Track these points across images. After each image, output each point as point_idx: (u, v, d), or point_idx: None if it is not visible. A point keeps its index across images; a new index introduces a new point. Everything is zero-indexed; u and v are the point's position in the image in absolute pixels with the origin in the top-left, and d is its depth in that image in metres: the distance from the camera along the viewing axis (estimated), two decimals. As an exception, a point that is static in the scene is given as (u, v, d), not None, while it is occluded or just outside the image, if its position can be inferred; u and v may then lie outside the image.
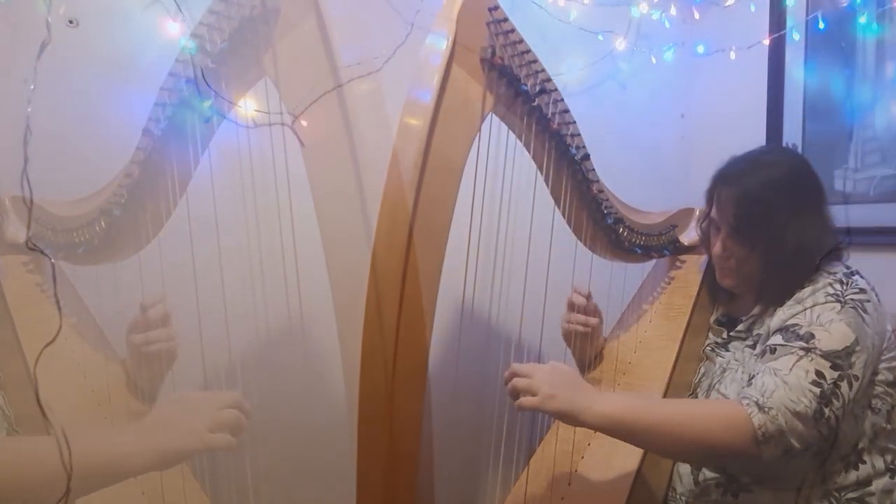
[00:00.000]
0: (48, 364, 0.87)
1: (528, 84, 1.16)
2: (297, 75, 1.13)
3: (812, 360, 1.04)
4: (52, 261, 0.95)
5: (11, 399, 1.01)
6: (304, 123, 1.12)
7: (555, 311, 1.37)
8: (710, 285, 1.38)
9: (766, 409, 1.00)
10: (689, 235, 1.49)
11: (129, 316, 1.14)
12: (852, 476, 1.12)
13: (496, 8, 1.13)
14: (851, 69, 1.57)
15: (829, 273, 1.15)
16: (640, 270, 1.57)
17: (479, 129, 1.15)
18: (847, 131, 1.57)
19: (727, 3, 1.78)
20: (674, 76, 1.90)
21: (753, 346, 1.20)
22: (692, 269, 1.48)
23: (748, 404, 1.02)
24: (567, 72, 1.74)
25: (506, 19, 1.14)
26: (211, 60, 1.05)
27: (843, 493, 1.12)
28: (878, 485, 1.13)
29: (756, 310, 1.23)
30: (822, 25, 1.60)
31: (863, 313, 1.08)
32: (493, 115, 1.17)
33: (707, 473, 1.18)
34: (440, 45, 1.10)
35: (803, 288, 1.15)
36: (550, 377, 1.07)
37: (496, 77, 1.15)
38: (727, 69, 1.79)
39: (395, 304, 1.07)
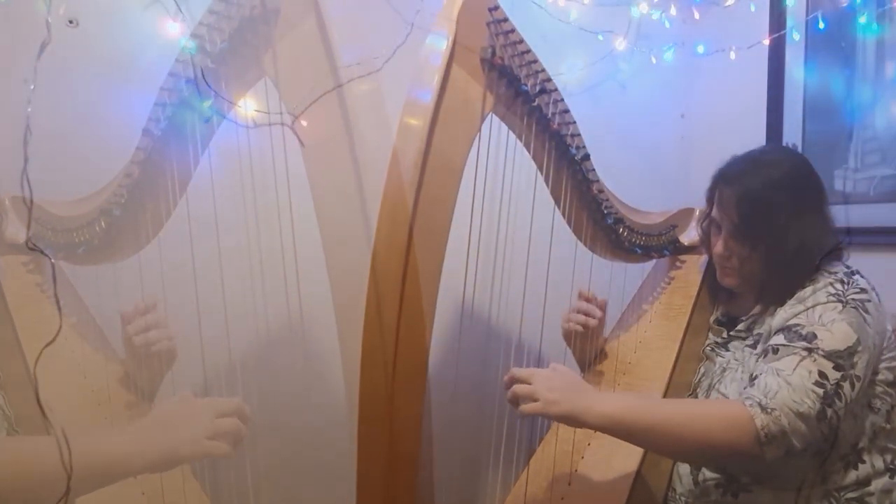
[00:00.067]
0: (48, 364, 0.87)
1: (529, 84, 1.16)
2: (297, 75, 1.13)
3: (815, 360, 1.04)
4: (52, 261, 0.95)
5: (11, 399, 1.01)
6: (304, 123, 1.12)
7: (555, 311, 1.37)
8: (711, 285, 1.38)
9: (769, 410, 1.00)
10: (689, 235, 1.49)
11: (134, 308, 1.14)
12: (852, 476, 1.12)
13: (496, 8, 1.13)
14: (851, 69, 1.57)
15: (830, 273, 1.15)
16: (640, 270, 1.57)
17: (480, 130, 1.15)
18: (847, 131, 1.57)
19: (727, 3, 1.78)
20: (674, 76, 1.89)
21: (754, 346, 1.20)
22: (692, 269, 1.48)
23: (751, 405, 1.01)
24: (567, 72, 1.74)
25: (506, 19, 1.14)
26: (211, 60, 1.05)
27: (842, 493, 1.12)
28: (877, 484, 1.13)
29: (756, 309, 1.23)
30: (822, 25, 1.60)
31: (864, 313, 1.08)
32: (494, 116, 1.17)
33: (707, 473, 1.18)
34: (440, 45, 1.10)
35: (804, 287, 1.15)
36: (550, 382, 1.07)
37: (496, 77, 1.15)
38: (727, 69, 1.79)
39: (395, 304, 1.07)
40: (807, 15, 1.64)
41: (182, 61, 1.05)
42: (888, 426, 1.14)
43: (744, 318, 1.26)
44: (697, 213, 1.47)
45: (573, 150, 1.23)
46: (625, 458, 1.22)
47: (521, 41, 1.15)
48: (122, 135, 1.11)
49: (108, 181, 1.11)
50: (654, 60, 1.83)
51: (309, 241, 1.16)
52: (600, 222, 1.33)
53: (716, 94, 1.88)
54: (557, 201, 1.27)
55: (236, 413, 0.92)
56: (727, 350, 1.27)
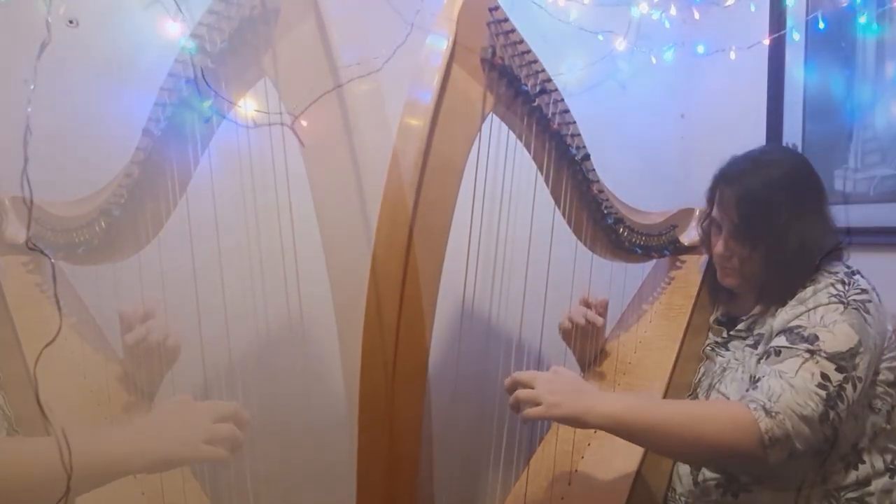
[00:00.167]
0: (48, 364, 0.87)
1: (529, 84, 1.16)
2: (297, 75, 1.13)
3: (817, 362, 1.04)
4: (52, 261, 0.95)
5: (11, 399, 1.01)
6: (303, 123, 1.12)
7: (555, 311, 1.37)
8: (711, 285, 1.38)
9: (773, 414, 1.00)
10: (690, 235, 1.49)
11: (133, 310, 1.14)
12: (852, 476, 1.12)
13: (497, 8, 1.13)
14: (851, 69, 1.57)
15: (831, 273, 1.15)
16: (640, 270, 1.57)
17: (480, 130, 1.15)
18: (847, 131, 1.57)
19: (727, 3, 1.78)
20: (674, 76, 1.89)
21: (754, 346, 1.20)
22: (692, 270, 1.48)
23: (755, 408, 1.01)
24: (567, 72, 1.74)
25: (506, 19, 1.14)
26: (211, 60, 1.05)
27: (842, 493, 1.12)
28: (877, 484, 1.13)
29: (757, 309, 1.23)
30: (822, 25, 1.60)
31: (865, 314, 1.08)
32: (494, 116, 1.17)
33: (707, 474, 1.18)
34: (440, 45, 1.10)
35: (805, 288, 1.15)
36: (552, 384, 1.06)
37: (496, 77, 1.15)
38: (727, 69, 1.79)
39: (395, 304, 1.07)
40: (807, 15, 1.64)
41: (182, 61, 1.05)
42: (888, 426, 1.14)
43: (744, 318, 1.25)
44: (697, 213, 1.47)
45: (573, 150, 1.23)
46: (625, 459, 1.22)
47: (522, 41, 1.15)
48: (122, 135, 1.11)
49: (108, 181, 1.11)
50: (654, 60, 1.83)
51: (309, 242, 1.16)
52: (600, 222, 1.33)
53: (716, 94, 1.88)
54: (557, 201, 1.27)
55: (234, 418, 0.92)
56: (727, 350, 1.27)
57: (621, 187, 1.39)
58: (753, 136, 1.70)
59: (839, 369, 1.04)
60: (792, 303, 1.15)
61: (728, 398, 1.18)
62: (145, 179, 1.07)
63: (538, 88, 1.17)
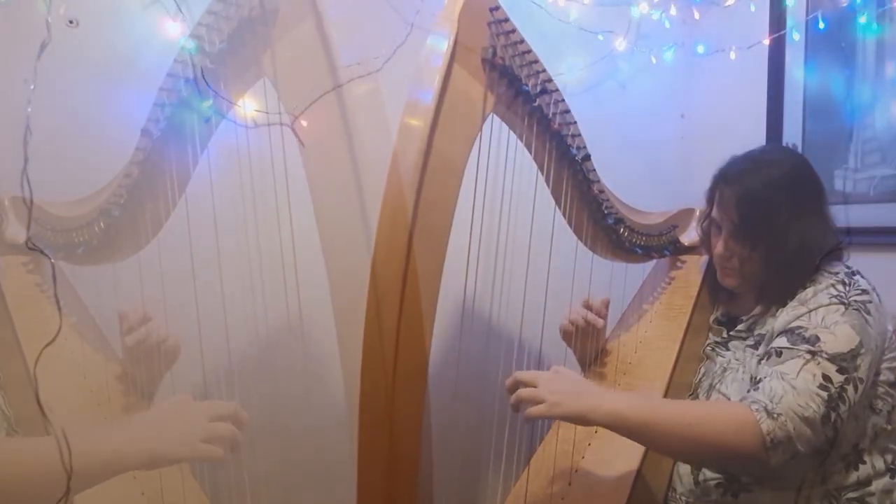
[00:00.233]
0: (48, 364, 0.86)
1: (530, 84, 1.16)
2: (297, 75, 1.13)
3: (819, 363, 1.04)
4: (52, 261, 0.95)
5: (11, 399, 1.01)
6: (303, 124, 1.12)
7: (555, 312, 1.37)
8: (711, 285, 1.38)
9: (776, 416, 1.00)
10: (690, 236, 1.49)
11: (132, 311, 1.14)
12: (852, 476, 1.12)
13: (497, 8, 1.13)
14: (851, 69, 1.57)
15: (831, 273, 1.15)
16: (640, 271, 1.57)
17: (480, 130, 1.15)
18: (847, 131, 1.57)
19: (727, 3, 1.78)
20: (674, 76, 1.89)
21: (755, 346, 1.20)
22: (692, 270, 1.48)
23: (757, 409, 1.01)
24: (567, 72, 1.74)
25: (507, 19, 1.13)
26: (210, 61, 1.05)
27: (843, 493, 1.12)
28: (878, 485, 1.13)
29: (757, 310, 1.23)
30: (822, 25, 1.60)
31: (866, 315, 1.08)
32: (494, 116, 1.17)
33: (707, 473, 1.18)
34: (441, 45, 1.10)
35: (805, 288, 1.15)
36: (554, 384, 1.07)
37: (497, 77, 1.14)
38: (727, 69, 1.79)
39: (395, 304, 1.07)
40: (807, 15, 1.64)
41: (181, 61, 1.05)
42: (889, 427, 1.14)
43: (744, 319, 1.25)
44: (698, 213, 1.47)
45: (574, 151, 1.23)
46: (625, 458, 1.22)
47: (522, 41, 1.15)
48: (122, 135, 1.11)
49: (108, 181, 1.11)
50: (654, 60, 1.83)
51: (308, 242, 1.16)
52: (601, 222, 1.33)
53: (716, 94, 1.88)
54: (558, 201, 1.27)
55: (232, 418, 0.93)
56: (727, 350, 1.27)
57: (621, 187, 1.39)
58: (753, 136, 1.70)
59: (840, 370, 1.04)
60: (792, 303, 1.15)
61: (729, 398, 1.18)
62: (145, 180, 1.07)
63: (539, 88, 1.17)
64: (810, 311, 1.11)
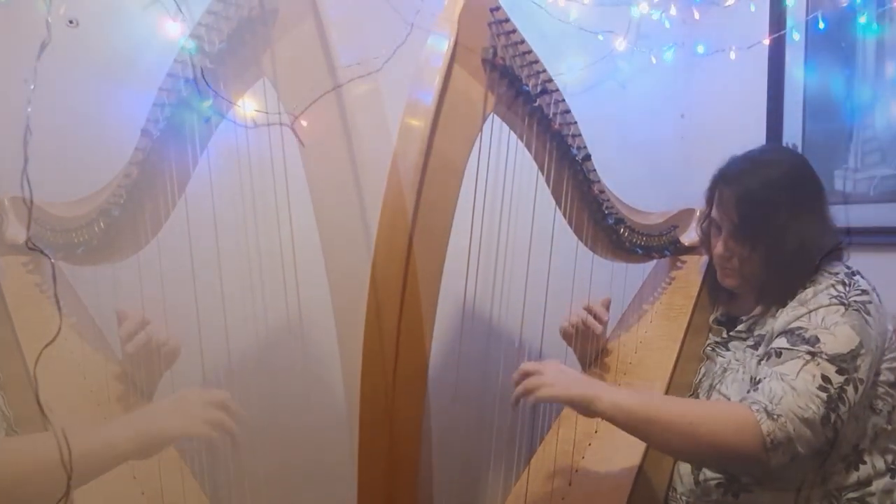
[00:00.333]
0: (48, 364, 0.87)
1: (530, 84, 1.16)
2: (296, 76, 1.12)
3: (818, 364, 1.04)
4: (52, 261, 0.95)
5: (11, 399, 1.01)
6: (303, 124, 1.12)
7: (556, 312, 1.37)
8: (711, 286, 1.38)
9: (775, 417, 1.00)
10: (690, 236, 1.49)
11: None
12: (853, 476, 1.12)
13: (498, 8, 1.13)
14: (851, 69, 1.57)
15: (831, 273, 1.15)
16: (640, 271, 1.57)
17: (481, 130, 1.14)
18: (847, 131, 1.57)
19: (727, 3, 1.78)
20: (674, 76, 1.89)
21: (755, 347, 1.20)
22: (693, 270, 1.48)
23: (757, 410, 1.01)
24: (567, 72, 1.74)
25: (507, 20, 1.13)
26: (210, 61, 1.05)
27: (843, 494, 1.12)
28: (878, 485, 1.13)
29: (757, 310, 1.23)
30: (822, 25, 1.60)
31: (866, 315, 1.08)
32: (495, 116, 1.17)
33: (707, 473, 1.18)
34: (441, 46, 1.10)
35: (805, 288, 1.15)
36: (561, 371, 1.10)
37: (497, 77, 1.14)
38: (727, 69, 1.79)
39: (395, 305, 1.07)
40: (807, 15, 1.64)
41: (181, 61, 1.05)
42: (889, 427, 1.14)
43: (744, 319, 1.25)
44: (698, 213, 1.47)
45: (574, 151, 1.23)
46: (626, 458, 1.22)
47: (523, 41, 1.15)
48: (122, 135, 1.11)
49: (108, 181, 1.11)
50: (654, 60, 1.83)
51: (308, 242, 1.15)
52: (601, 223, 1.33)
53: (716, 94, 1.88)
54: (558, 202, 1.27)
55: (224, 406, 0.94)
56: (727, 350, 1.27)
57: (621, 187, 1.38)
58: (753, 136, 1.70)
59: (840, 371, 1.04)
60: (792, 304, 1.15)
61: (729, 399, 1.18)
62: (144, 180, 1.07)
63: (539, 88, 1.17)
64: (810, 311, 1.11)
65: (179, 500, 1.08)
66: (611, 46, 1.80)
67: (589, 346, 1.43)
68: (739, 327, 1.26)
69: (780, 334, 1.12)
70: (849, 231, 1.28)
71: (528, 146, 1.20)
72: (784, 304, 1.16)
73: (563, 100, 1.20)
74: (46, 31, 0.89)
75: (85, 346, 1.15)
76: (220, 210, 1.14)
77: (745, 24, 1.75)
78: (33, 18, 1.18)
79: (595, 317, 1.38)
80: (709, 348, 1.32)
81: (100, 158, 1.18)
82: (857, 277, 1.15)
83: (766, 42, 1.71)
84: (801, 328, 1.09)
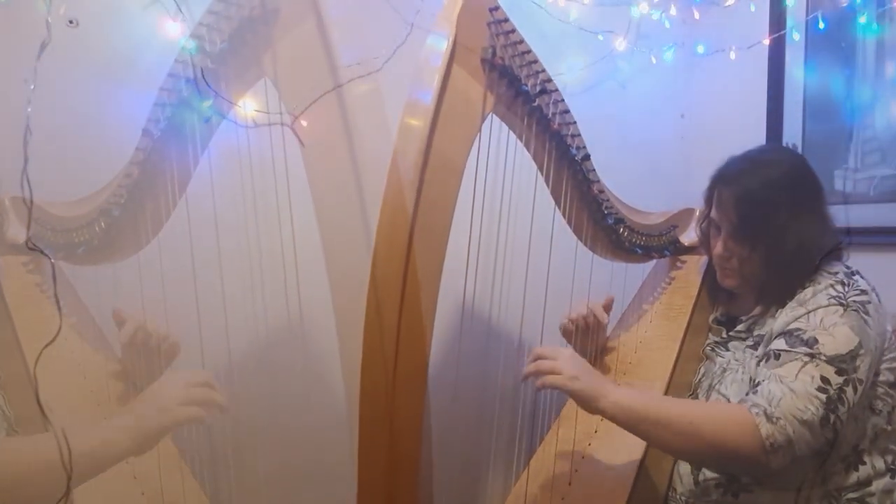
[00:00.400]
0: (48, 364, 0.87)
1: (529, 84, 1.16)
2: (297, 75, 1.12)
3: (817, 365, 1.04)
4: (52, 261, 0.95)
5: (11, 399, 1.01)
6: (303, 123, 1.12)
7: (555, 311, 1.37)
8: (710, 286, 1.38)
9: (775, 420, 1.00)
10: (690, 236, 1.49)
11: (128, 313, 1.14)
12: (853, 477, 1.12)
13: (497, 8, 1.13)
14: (851, 69, 1.57)
15: (830, 273, 1.15)
16: (640, 271, 1.57)
17: (480, 130, 1.15)
18: (847, 131, 1.57)
19: (727, 3, 1.78)
20: (674, 76, 1.89)
21: (754, 347, 1.20)
22: (692, 270, 1.48)
23: (757, 413, 1.01)
24: (567, 72, 1.74)
25: (506, 19, 1.13)
26: (210, 61, 1.05)
27: (843, 494, 1.12)
28: (878, 485, 1.13)
29: (756, 310, 1.23)
30: (822, 25, 1.60)
31: (865, 315, 1.08)
32: (494, 116, 1.17)
33: (707, 473, 1.18)
34: (440, 45, 1.10)
35: (804, 288, 1.15)
36: (574, 360, 1.11)
37: (497, 77, 1.14)
38: (727, 69, 1.79)
39: (395, 304, 1.07)
40: (807, 15, 1.64)
41: (182, 61, 1.05)
42: (889, 427, 1.14)
43: (744, 319, 1.25)
44: (698, 213, 1.47)
45: (573, 151, 1.23)
46: (626, 458, 1.22)
47: (522, 41, 1.15)
48: (122, 135, 1.11)
49: (108, 181, 1.11)
50: (654, 60, 1.83)
51: (309, 241, 1.16)
52: (601, 222, 1.33)
53: (716, 94, 1.88)
54: (558, 201, 1.27)
55: (205, 384, 0.95)
56: (727, 350, 1.27)
57: (621, 187, 1.38)
58: (753, 136, 1.70)
59: (839, 372, 1.04)
60: (791, 304, 1.15)
61: (728, 399, 1.18)
62: (145, 179, 1.07)
63: (538, 88, 1.17)
64: (809, 312, 1.11)
65: (179, 500, 1.08)
66: (611, 46, 1.80)
67: (589, 345, 1.43)
68: (739, 327, 1.26)
69: (778, 335, 1.12)
70: (849, 231, 1.28)
71: (528, 146, 1.20)
72: (783, 305, 1.16)
73: (563, 100, 1.20)
74: (46, 31, 0.89)
75: (85, 346, 1.16)
76: (220, 210, 1.14)
77: (745, 24, 1.75)
78: (33, 18, 1.18)
79: (595, 318, 1.39)
80: (708, 348, 1.32)
81: (100, 158, 1.18)
82: (856, 277, 1.15)
83: (766, 42, 1.71)
84: (799, 329, 1.09)
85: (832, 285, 1.13)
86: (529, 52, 1.16)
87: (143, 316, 1.12)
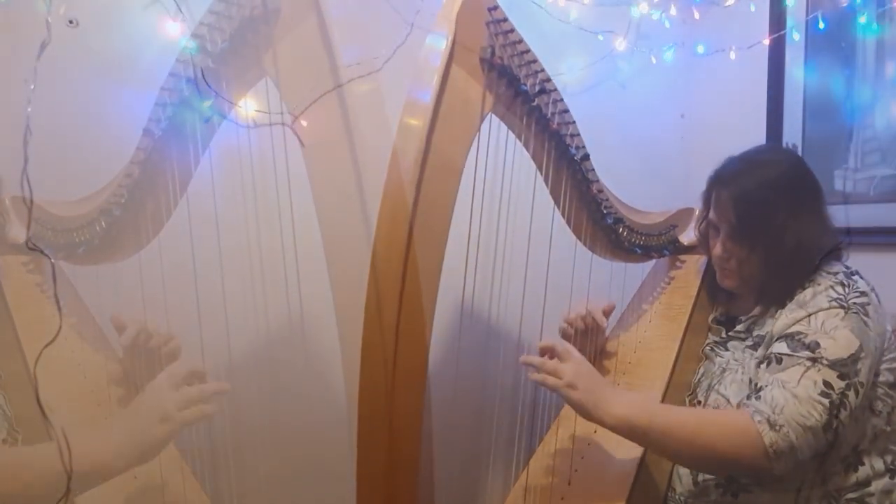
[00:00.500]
0: (48, 364, 0.87)
1: (528, 84, 1.16)
2: (298, 75, 1.13)
3: (819, 370, 1.04)
4: (52, 261, 0.95)
5: (11, 399, 1.01)
6: (304, 123, 1.12)
7: (555, 310, 1.37)
8: (710, 286, 1.38)
9: (778, 427, 1.01)
10: (689, 236, 1.49)
11: (128, 315, 1.14)
12: (852, 477, 1.12)
13: (496, 8, 1.13)
14: (851, 69, 1.57)
15: (830, 273, 1.15)
16: (640, 270, 1.57)
17: (479, 129, 1.15)
18: (847, 131, 1.57)
19: (727, 3, 1.78)
20: (674, 76, 1.89)
21: (754, 347, 1.20)
22: (692, 269, 1.48)
23: (759, 421, 1.02)
24: (567, 72, 1.74)
25: (505, 19, 1.13)
26: (211, 60, 1.05)
27: (842, 494, 1.12)
28: (877, 485, 1.13)
29: (756, 310, 1.23)
30: (822, 25, 1.60)
31: (864, 317, 1.09)
32: (493, 115, 1.17)
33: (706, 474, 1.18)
34: (440, 45, 1.10)
35: (804, 289, 1.15)
36: (579, 367, 1.10)
37: (496, 77, 1.14)
38: (727, 69, 1.79)
39: (395, 303, 1.07)
40: (807, 15, 1.64)
41: (182, 61, 1.05)
42: (888, 428, 1.14)
43: (743, 319, 1.25)
44: (697, 213, 1.47)
45: (573, 150, 1.23)
46: (625, 458, 1.22)
47: (521, 41, 1.15)
48: (122, 135, 1.11)
49: (108, 181, 1.11)
50: (654, 60, 1.83)
51: (309, 241, 1.16)
52: (600, 222, 1.33)
53: (716, 94, 1.88)
54: (557, 201, 1.27)
55: (193, 377, 0.95)
56: (726, 350, 1.27)
57: (621, 187, 1.39)
58: (753, 136, 1.70)
59: (841, 376, 1.04)
60: (791, 305, 1.15)
61: (728, 399, 1.18)
62: (146, 179, 1.07)
63: (537, 88, 1.17)
64: (810, 314, 1.11)
65: (179, 500, 1.09)
66: (611, 46, 1.80)
67: (588, 346, 1.43)
68: (738, 327, 1.26)
69: (779, 339, 1.12)
70: (849, 231, 1.28)
71: (527, 146, 1.20)
72: (783, 305, 1.16)
73: (562, 99, 1.20)
74: (46, 31, 0.89)
75: (85, 346, 1.16)
76: (221, 209, 1.14)
77: (745, 24, 1.75)
78: (33, 18, 1.18)
79: (594, 319, 1.39)
80: (708, 348, 1.32)
81: (100, 158, 1.18)
82: (855, 278, 1.15)
83: (766, 42, 1.70)
84: (801, 333, 1.09)
85: (832, 287, 1.13)
86: (528, 51, 1.16)
87: (144, 316, 1.12)
